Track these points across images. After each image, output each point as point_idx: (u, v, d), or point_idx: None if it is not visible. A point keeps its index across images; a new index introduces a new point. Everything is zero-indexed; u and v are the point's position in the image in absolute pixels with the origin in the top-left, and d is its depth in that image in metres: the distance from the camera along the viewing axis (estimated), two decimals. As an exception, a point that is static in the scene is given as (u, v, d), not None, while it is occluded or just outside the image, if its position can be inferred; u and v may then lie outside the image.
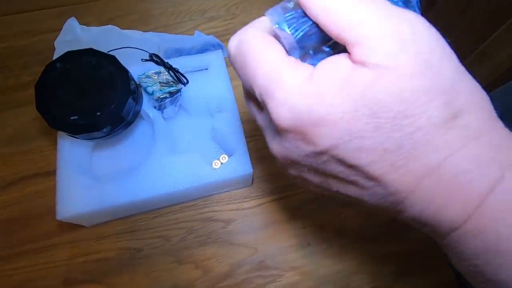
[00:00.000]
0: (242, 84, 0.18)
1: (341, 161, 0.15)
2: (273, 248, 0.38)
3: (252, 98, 0.18)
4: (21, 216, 0.38)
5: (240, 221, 0.39)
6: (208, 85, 0.41)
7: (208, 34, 0.51)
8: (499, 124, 0.14)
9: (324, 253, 0.38)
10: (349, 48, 0.14)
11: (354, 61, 0.14)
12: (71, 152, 0.36)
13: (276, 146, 0.17)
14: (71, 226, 0.37)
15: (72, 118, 0.32)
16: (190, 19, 0.53)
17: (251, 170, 0.36)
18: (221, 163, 0.36)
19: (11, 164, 0.41)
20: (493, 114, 0.14)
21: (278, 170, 0.41)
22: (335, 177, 0.16)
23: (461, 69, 0.14)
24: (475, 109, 0.14)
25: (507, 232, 0.13)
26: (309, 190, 0.19)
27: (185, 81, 0.39)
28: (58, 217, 0.32)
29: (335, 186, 0.17)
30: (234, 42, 0.17)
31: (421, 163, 0.14)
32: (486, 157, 0.13)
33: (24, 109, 0.45)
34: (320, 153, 0.15)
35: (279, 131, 0.16)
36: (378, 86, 0.13)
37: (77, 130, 0.32)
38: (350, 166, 0.15)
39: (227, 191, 0.40)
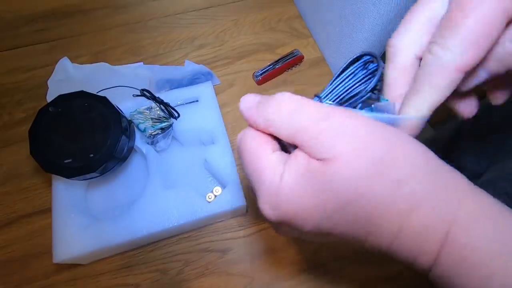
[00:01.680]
0: None
1: (329, 234, 0.18)
2: (270, 276, 0.39)
3: (251, 185, 0.21)
4: (19, 256, 0.39)
5: (236, 250, 0.40)
6: (199, 117, 0.42)
7: (198, 62, 0.52)
8: (441, 181, 0.17)
9: (320, 279, 0.39)
10: (301, 149, 0.17)
11: (309, 156, 0.17)
12: (66, 192, 0.36)
13: (276, 231, 0.21)
14: (68, 265, 0.37)
15: (66, 161, 0.33)
16: (179, 47, 0.55)
17: (245, 203, 0.36)
18: (215, 196, 0.37)
19: (6, 203, 0.42)
20: (434, 167, 0.17)
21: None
22: (330, 239, 0.19)
23: (396, 140, 0.17)
24: (415, 175, 0.16)
25: (459, 281, 0.16)
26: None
27: (176, 115, 0.40)
28: (55, 260, 0.33)
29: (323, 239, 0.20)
30: (238, 139, 0.20)
31: (384, 230, 0.17)
32: (432, 219, 0.16)
33: (18, 146, 0.45)
34: (308, 232, 0.18)
35: (271, 223, 0.19)
36: (332, 174, 0.16)
37: (71, 173, 0.33)
38: (334, 235, 0.18)
39: (222, 220, 0.40)
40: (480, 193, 0.17)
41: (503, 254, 0.15)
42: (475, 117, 0.22)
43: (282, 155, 0.18)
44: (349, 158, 0.16)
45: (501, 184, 0.37)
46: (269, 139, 0.19)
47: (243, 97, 0.19)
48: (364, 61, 0.20)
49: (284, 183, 0.17)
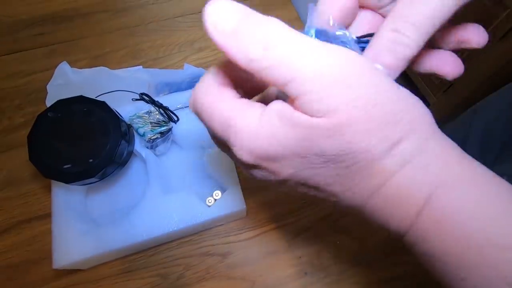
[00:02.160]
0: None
1: (304, 184, 0.17)
2: (271, 279, 0.38)
3: (219, 142, 0.19)
4: (19, 262, 0.39)
5: (237, 253, 0.40)
6: (199, 121, 0.41)
7: (197, 65, 0.52)
8: (433, 143, 0.16)
9: (321, 282, 0.38)
10: (289, 101, 0.16)
11: (296, 109, 0.15)
12: (66, 198, 0.36)
13: (250, 174, 0.19)
14: (68, 270, 0.37)
15: (65, 166, 0.33)
16: (179, 51, 0.55)
17: (244, 206, 0.36)
18: (215, 200, 0.37)
19: (6, 209, 0.41)
20: (431, 131, 0.16)
21: (272, 199, 0.42)
22: (307, 194, 0.19)
23: (401, 94, 0.15)
24: (413, 133, 0.15)
25: (439, 245, 0.16)
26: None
27: (176, 118, 0.40)
28: (55, 266, 0.33)
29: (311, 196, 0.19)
30: (190, 103, 0.18)
31: (364, 186, 0.16)
32: (417, 179, 0.16)
33: (17, 151, 0.45)
34: (285, 180, 0.17)
35: (247, 166, 0.17)
36: (320, 133, 0.15)
37: (71, 179, 0.33)
38: (313, 187, 0.17)
39: (222, 224, 0.40)
40: (472, 161, 0.16)
41: (486, 218, 0.15)
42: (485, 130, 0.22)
43: (251, 101, 0.17)
44: (344, 113, 0.14)
45: None
46: (227, 88, 0.17)
47: (211, 4, 0.14)
48: None
49: (261, 125, 0.15)
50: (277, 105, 0.16)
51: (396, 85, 0.16)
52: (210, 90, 0.17)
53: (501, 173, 0.16)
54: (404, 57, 0.17)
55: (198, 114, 0.17)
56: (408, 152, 0.15)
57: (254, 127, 0.15)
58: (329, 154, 0.15)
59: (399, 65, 0.17)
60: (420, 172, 0.15)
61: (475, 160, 0.16)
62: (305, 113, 0.15)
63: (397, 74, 0.17)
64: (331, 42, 0.16)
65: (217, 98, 0.16)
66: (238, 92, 0.17)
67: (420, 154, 0.16)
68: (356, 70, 0.15)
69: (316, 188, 0.17)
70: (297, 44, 0.14)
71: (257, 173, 0.17)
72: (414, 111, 0.16)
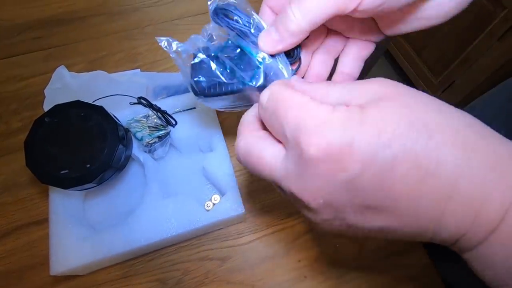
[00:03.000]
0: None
1: (373, 187, 0.16)
2: (270, 284, 0.38)
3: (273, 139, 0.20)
4: (16, 268, 0.38)
5: (235, 258, 0.39)
6: (197, 124, 0.41)
7: (195, 68, 0.52)
8: (494, 146, 0.16)
9: (321, 285, 0.38)
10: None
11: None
12: (63, 203, 0.36)
13: (304, 185, 0.18)
14: (66, 276, 0.37)
15: (62, 172, 0.33)
16: (176, 53, 0.54)
17: (243, 210, 0.36)
18: (213, 204, 0.37)
19: (3, 214, 0.41)
20: (479, 135, 0.16)
21: (270, 203, 0.42)
22: (371, 207, 0.17)
23: (443, 108, 0.17)
24: (456, 141, 0.15)
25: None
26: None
27: (174, 122, 0.40)
28: (52, 272, 0.32)
29: (371, 220, 0.18)
30: (265, 94, 0.19)
31: (431, 201, 0.15)
32: (490, 180, 0.15)
33: (14, 156, 0.45)
34: (344, 182, 0.16)
35: (308, 164, 0.16)
36: (372, 121, 0.16)
37: (68, 184, 0.32)
38: (382, 189, 0.16)
39: (221, 228, 0.40)
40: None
41: None
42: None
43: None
44: (392, 101, 0.16)
45: None
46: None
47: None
48: None
49: (335, 117, 0.16)
50: (345, 106, 0.17)
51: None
52: (289, 88, 0.19)
53: None
54: (289, 30, 0.21)
55: (273, 104, 0.18)
56: (460, 166, 0.15)
57: (327, 115, 0.16)
58: (404, 135, 0.15)
59: (285, 36, 0.21)
60: (492, 175, 0.15)
61: None
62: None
63: (286, 45, 0.22)
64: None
65: (293, 94, 0.18)
66: None
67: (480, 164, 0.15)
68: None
69: (383, 193, 0.16)
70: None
71: (318, 171, 0.16)
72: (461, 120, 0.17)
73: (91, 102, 0.36)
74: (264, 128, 0.21)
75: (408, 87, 0.17)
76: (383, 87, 0.17)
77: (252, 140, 0.20)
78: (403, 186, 0.15)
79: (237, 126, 0.22)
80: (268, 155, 0.19)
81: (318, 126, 0.16)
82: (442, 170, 0.15)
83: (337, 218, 0.18)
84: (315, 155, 0.16)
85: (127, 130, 0.38)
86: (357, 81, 0.18)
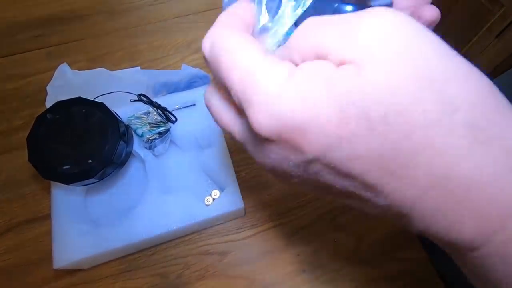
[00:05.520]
0: (216, 84, 0.17)
1: (334, 170, 0.13)
2: (270, 277, 0.39)
3: (229, 101, 0.16)
4: (19, 263, 0.39)
5: (235, 252, 0.40)
6: (197, 121, 0.42)
7: (195, 66, 0.52)
8: (508, 121, 0.12)
9: (319, 279, 0.39)
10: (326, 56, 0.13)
11: (336, 63, 0.13)
12: (65, 199, 0.36)
13: (261, 158, 0.15)
14: (68, 270, 0.37)
15: (64, 167, 0.33)
16: (176, 51, 0.55)
17: (243, 205, 0.36)
18: (213, 199, 0.37)
19: (6, 210, 0.42)
20: (500, 106, 0.12)
21: (270, 198, 0.43)
22: (331, 188, 0.14)
23: (450, 53, 0.13)
24: (476, 103, 0.12)
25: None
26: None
27: (174, 119, 0.41)
28: (55, 266, 0.33)
29: (333, 197, 0.16)
30: (206, 45, 0.15)
31: (424, 171, 0.12)
32: (502, 168, 0.11)
33: (16, 153, 0.45)
34: (310, 162, 0.13)
35: (262, 141, 0.14)
36: (362, 79, 0.12)
37: (69, 179, 0.33)
38: (345, 176, 0.13)
39: (221, 223, 0.41)
40: None
41: None
42: None
43: (283, 60, 0.14)
44: (389, 61, 0.11)
45: None
46: (252, 39, 0.14)
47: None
48: None
49: (291, 84, 0.12)
50: (313, 62, 0.13)
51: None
52: (234, 30, 0.14)
53: None
54: None
55: (215, 60, 0.14)
56: (480, 127, 0.11)
57: (281, 85, 0.12)
58: (375, 115, 0.11)
59: None
60: (504, 157, 0.12)
61: None
62: (344, 58, 0.12)
63: None
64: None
65: (243, 40, 0.14)
66: None
67: (497, 133, 0.12)
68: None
69: (348, 179, 0.13)
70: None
71: (273, 152, 0.14)
72: (473, 79, 0.13)
73: (92, 99, 0.37)
74: None
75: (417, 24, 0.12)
76: (384, 31, 0.12)
77: (209, 96, 0.16)
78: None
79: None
80: (225, 118, 0.16)
81: (268, 100, 0.12)
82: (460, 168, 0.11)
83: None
84: (265, 135, 0.13)
85: (128, 127, 0.39)
86: (350, 14, 0.13)
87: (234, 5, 0.16)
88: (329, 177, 0.14)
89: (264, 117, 0.13)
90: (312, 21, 0.14)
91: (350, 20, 0.13)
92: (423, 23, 0.18)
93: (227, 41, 0.14)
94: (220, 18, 0.15)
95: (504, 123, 0.12)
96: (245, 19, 0.15)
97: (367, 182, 0.13)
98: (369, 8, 0.13)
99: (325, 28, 0.13)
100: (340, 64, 0.13)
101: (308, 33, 0.13)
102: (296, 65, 0.14)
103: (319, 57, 0.13)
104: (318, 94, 0.12)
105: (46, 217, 0.40)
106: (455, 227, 0.12)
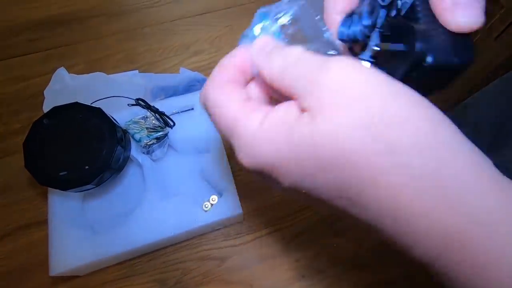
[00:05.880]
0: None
1: (307, 194, 0.16)
2: (268, 283, 0.39)
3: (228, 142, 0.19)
4: (16, 269, 0.39)
5: (234, 257, 0.40)
6: (195, 125, 0.42)
7: (193, 69, 0.52)
8: (454, 155, 0.13)
9: (318, 284, 0.39)
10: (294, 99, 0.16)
11: (300, 107, 0.15)
12: (62, 204, 0.36)
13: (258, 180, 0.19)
14: (65, 277, 0.37)
15: (61, 174, 0.33)
16: (175, 54, 0.55)
17: (241, 211, 0.36)
18: (211, 205, 0.37)
19: (3, 215, 0.41)
20: (437, 143, 0.13)
21: (268, 204, 0.42)
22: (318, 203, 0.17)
23: (395, 97, 0.14)
24: (412, 144, 0.13)
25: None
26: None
27: (172, 123, 0.40)
28: (52, 273, 0.33)
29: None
30: (201, 99, 0.18)
31: (373, 201, 0.14)
32: (437, 202, 0.13)
33: (13, 157, 0.45)
34: (290, 189, 0.16)
35: (250, 172, 0.17)
36: (314, 127, 0.14)
37: (66, 186, 0.33)
38: (316, 198, 0.16)
39: (220, 228, 0.40)
40: (509, 184, 0.13)
41: None
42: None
43: (258, 104, 0.17)
44: (335, 111, 0.14)
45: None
46: (237, 88, 0.18)
47: (259, 40, 0.18)
48: None
49: (262, 131, 0.15)
50: (281, 108, 0.16)
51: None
52: (221, 86, 0.17)
53: (497, 163, 0.14)
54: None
55: (207, 109, 0.18)
56: (415, 167, 0.13)
57: (254, 132, 0.15)
58: (326, 158, 0.14)
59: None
60: (434, 198, 0.13)
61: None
62: (304, 108, 0.15)
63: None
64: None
65: (226, 96, 0.17)
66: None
67: (432, 173, 0.13)
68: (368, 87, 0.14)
69: (318, 200, 0.16)
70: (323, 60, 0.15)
71: (262, 179, 0.17)
72: (423, 121, 0.14)
73: (89, 104, 0.36)
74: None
75: (380, 75, 0.14)
76: (343, 81, 0.14)
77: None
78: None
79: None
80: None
81: (246, 144, 0.16)
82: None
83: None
84: (249, 170, 0.16)
85: (125, 132, 0.39)
86: (314, 59, 0.15)
87: (231, 53, 0.19)
88: (304, 197, 0.16)
89: (246, 158, 0.16)
90: (293, 58, 0.16)
91: (317, 67, 0.15)
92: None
93: (214, 98, 0.17)
94: (213, 73, 0.18)
95: (441, 158, 0.13)
96: (240, 66, 0.18)
97: (335, 204, 0.15)
98: (333, 58, 0.15)
99: (298, 71, 0.15)
100: (302, 110, 0.15)
101: (286, 72, 0.16)
102: (273, 98, 0.18)
103: (291, 95, 0.16)
104: (281, 140, 0.15)
105: (44, 223, 0.40)
106: (408, 249, 0.14)
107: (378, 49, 0.18)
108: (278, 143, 0.15)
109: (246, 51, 0.18)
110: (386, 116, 0.13)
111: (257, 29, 0.19)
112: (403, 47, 0.17)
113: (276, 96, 0.19)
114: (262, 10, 0.19)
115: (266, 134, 0.15)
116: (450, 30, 0.16)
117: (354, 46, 0.20)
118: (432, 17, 0.17)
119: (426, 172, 0.13)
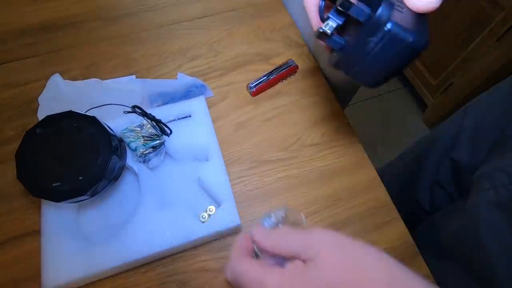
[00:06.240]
0: None
1: None
2: (267, 295, 0.38)
3: None
4: (8, 280, 0.37)
5: (232, 269, 0.39)
6: (192, 133, 0.41)
7: (191, 74, 0.51)
8: None
9: None
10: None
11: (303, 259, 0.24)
12: (56, 215, 0.35)
13: None
14: (60, 289, 0.36)
15: (54, 185, 0.32)
16: (172, 59, 0.54)
17: (239, 222, 0.35)
18: (209, 215, 0.36)
19: (-4, 225, 0.40)
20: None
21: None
22: None
23: (368, 258, 0.24)
24: None
25: None
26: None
27: (169, 131, 0.39)
28: (44, 287, 0.32)
29: None
30: (227, 273, 0.25)
31: None
32: None
33: (6, 165, 0.44)
34: None
35: None
36: (312, 279, 0.22)
37: (60, 197, 0.32)
38: None
39: (217, 239, 0.40)
40: None
41: None
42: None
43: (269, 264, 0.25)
44: (327, 258, 0.23)
45: (498, 175, 0.37)
46: (249, 257, 0.26)
47: (255, 231, 0.26)
48: None
49: (286, 275, 0.23)
50: (289, 268, 0.23)
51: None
52: (243, 259, 0.25)
53: (498, 167, 0.18)
54: None
55: (238, 278, 0.24)
56: None
57: (280, 279, 0.23)
58: None
59: None
60: None
61: None
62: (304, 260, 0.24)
63: None
64: None
65: (249, 264, 0.24)
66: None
67: None
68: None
69: None
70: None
71: None
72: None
73: (83, 112, 0.36)
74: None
75: (344, 238, 0.25)
76: (320, 243, 0.23)
77: None
78: None
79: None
80: None
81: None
82: None
83: None
84: None
85: (121, 140, 0.38)
86: (303, 232, 0.25)
87: (239, 238, 0.27)
88: None
89: None
90: (283, 233, 0.26)
91: (304, 236, 0.25)
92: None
93: (240, 267, 0.25)
94: (233, 252, 0.26)
95: None
96: (246, 247, 0.27)
97: None
98: (314, 230, 0.25)
99: (290, 240, 0.25)
100: (304, 261, 0.23)
101: (282, 243, 0.25)
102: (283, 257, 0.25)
103: (294, 256, 0.24)
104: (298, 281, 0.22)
105: (37, 233, 0.39)
106: None
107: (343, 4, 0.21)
108: (296, 280, 0.22)
109: (249, 237, 0.27)
110: (360, 277, 0.23)
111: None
112: (366, 8, 0.20)
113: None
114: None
115: (287, 277, 0.23)
116: (410, 8, 0.20)
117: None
118: None
119: None
